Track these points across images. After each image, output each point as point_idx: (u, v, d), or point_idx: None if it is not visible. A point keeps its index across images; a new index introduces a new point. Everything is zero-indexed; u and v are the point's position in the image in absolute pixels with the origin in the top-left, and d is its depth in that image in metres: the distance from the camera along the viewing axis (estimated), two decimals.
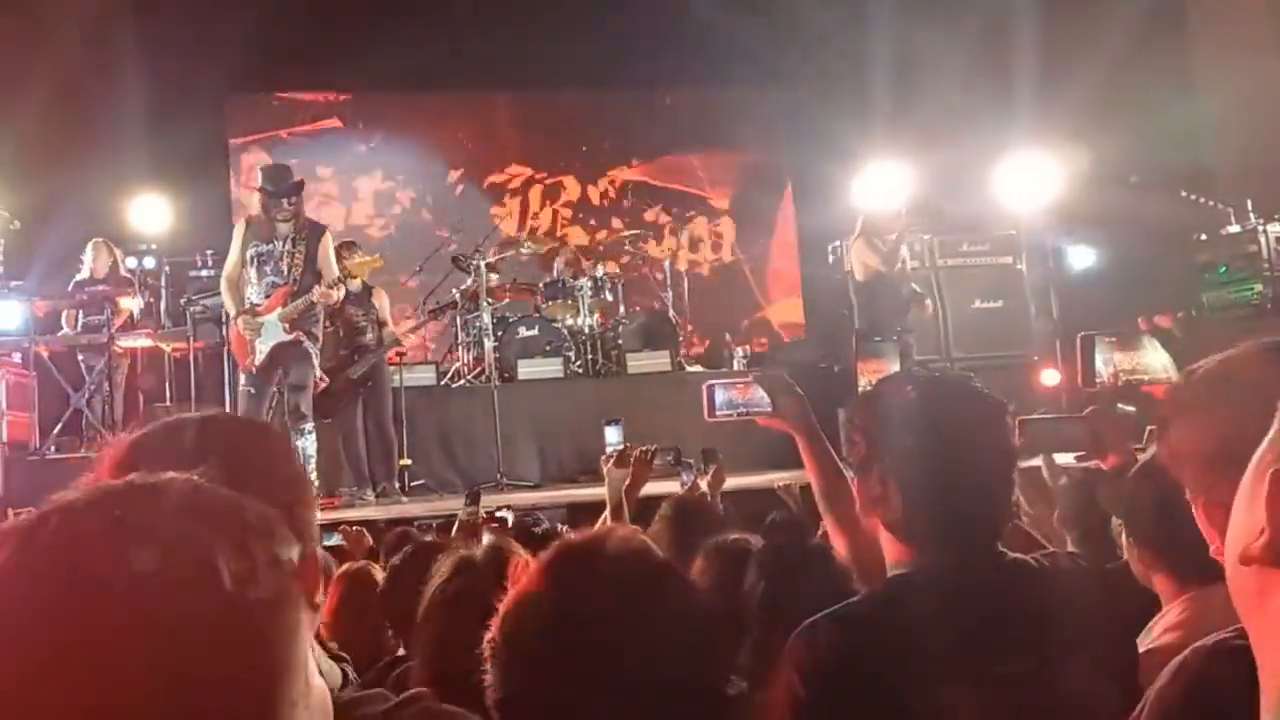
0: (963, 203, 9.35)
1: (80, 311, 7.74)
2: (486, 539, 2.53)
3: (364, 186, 10.76)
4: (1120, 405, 2.62)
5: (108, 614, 0.66)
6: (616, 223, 10.94)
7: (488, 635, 1.17)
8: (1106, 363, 2.25)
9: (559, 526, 3.92)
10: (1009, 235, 8.93)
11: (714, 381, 2.33)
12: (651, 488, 3.51)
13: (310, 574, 1.14)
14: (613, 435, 3.71)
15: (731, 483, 4.63)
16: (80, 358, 7.67)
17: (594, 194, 11.04)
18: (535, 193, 10.95)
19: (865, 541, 1.90)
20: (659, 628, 1.12)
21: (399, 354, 8.03)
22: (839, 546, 2.02)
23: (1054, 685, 1.48)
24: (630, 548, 1.19)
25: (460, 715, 1.47)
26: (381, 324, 7.68)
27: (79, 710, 0.64)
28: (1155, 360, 2.78)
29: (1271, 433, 0.75)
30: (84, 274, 7.86)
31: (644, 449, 3.52)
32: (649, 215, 11.04)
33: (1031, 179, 8.79)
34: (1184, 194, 7.88)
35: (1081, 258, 8.93)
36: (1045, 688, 1.47)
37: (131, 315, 7.81)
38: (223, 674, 0.68)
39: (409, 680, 1.63)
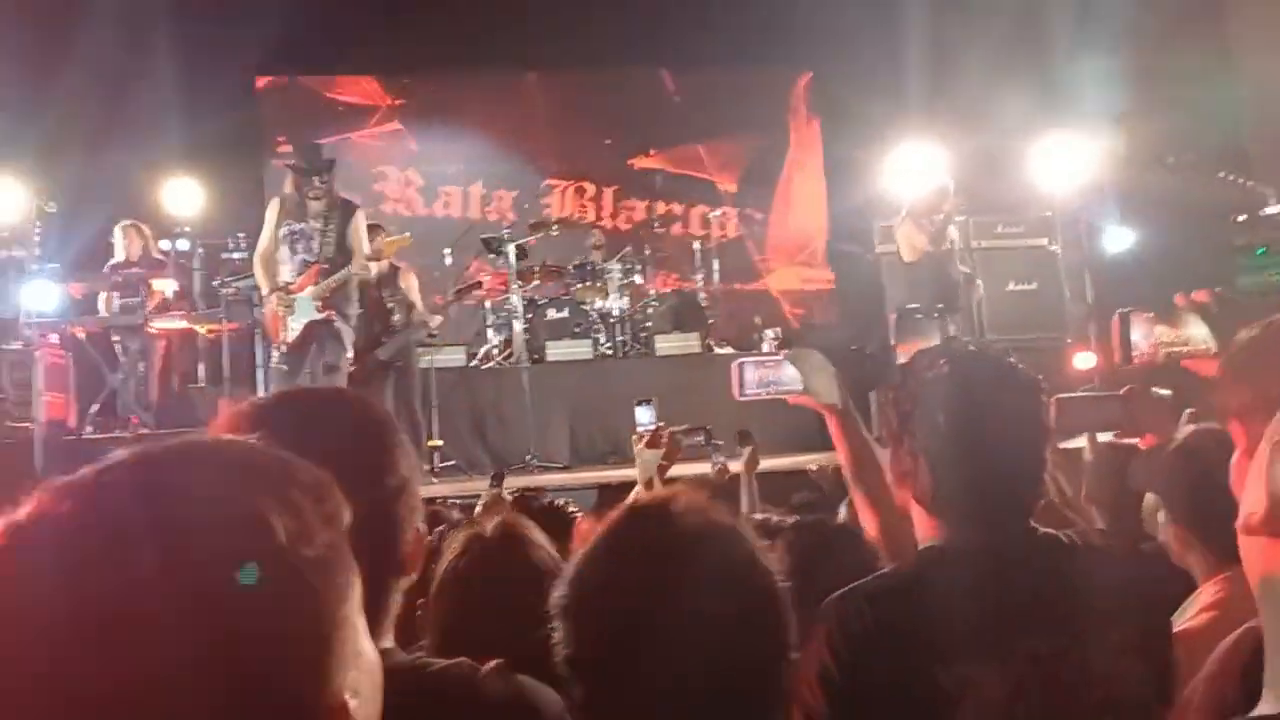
0: (997, 184, 9.25)
1: (116, 294, 7.82)
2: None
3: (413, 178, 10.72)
4: (1155, 390, 2.57)
5: (159, 567, 0.66)
6: (643, 207, 10.90)
7: (557, 593, 1.17)
8: (1146, 336, 2.22)
9: (559, 500, 3.92)
10: (1044, 217, 8.83)
11: (744, 359, 2.27)
12: (681, 469, 3.49)
13: (415, 548, 1.15)
14: (644, 415, 3.66)
15: (762, 464, 4.62)
16: (115, 339, 7.75)
17: (618, 190, 10.97)
18: (569, 193, 10.92)
19: (894, 520, 1.89)
20: (727, 589, 1.12)
21: (430, 335, 8.06)
22: (868, 526, 2.00)
23: (1084, 664, 1.46)
24: (698, 508, 1.18)
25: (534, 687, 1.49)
26: (410, 305, 7.71)
27: (130, 662, 0.64)
28: (1196, 333, 2.74)
29: None
30: (118, 257, 7.94)
31: (674, 430, 3.50)
32: (671, 203, 10.95)
33: (1067, 160, 8.67)
34: (1222, 175, 7.75)
35: (1117, 240, 8.82)
36: (1074, 666, 1.46)
37: (164, 297, 7.88)
38: (274, 631, 0.68)
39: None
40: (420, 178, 10.64)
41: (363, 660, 0.76)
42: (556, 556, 1.69)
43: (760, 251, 10.98)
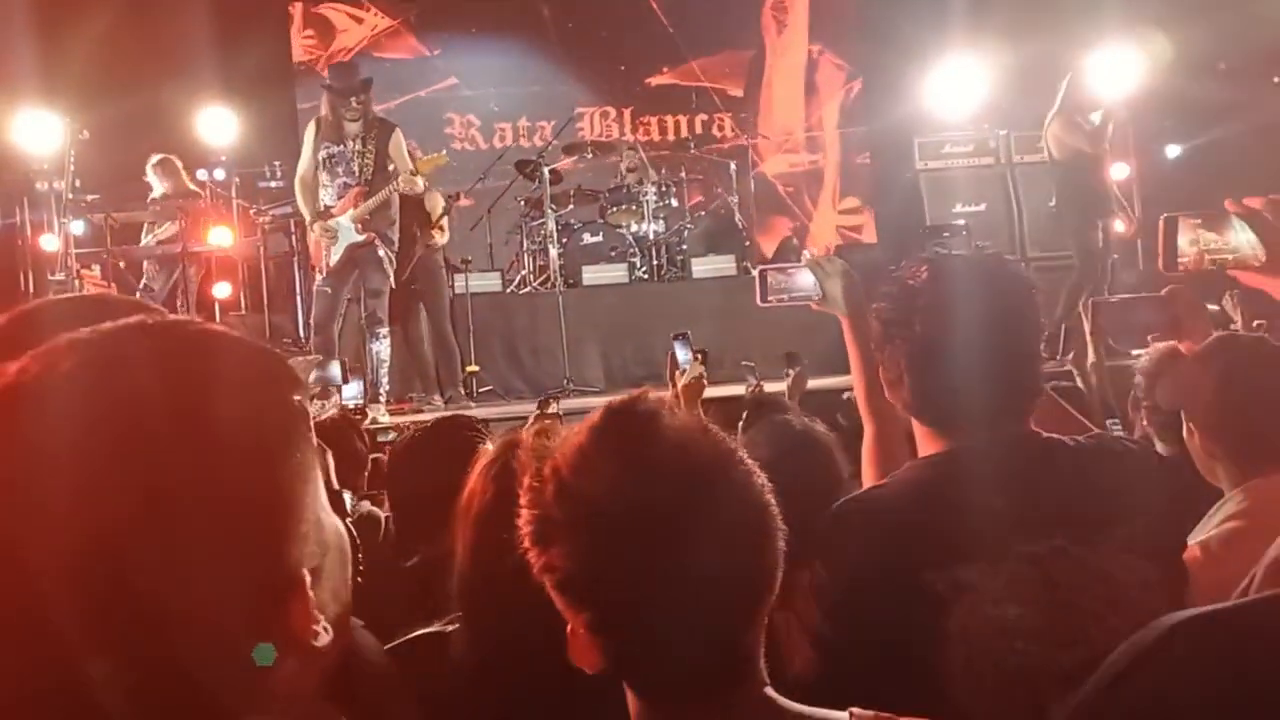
0: (1041, 98, 8.99)
1: (154, 226, 7.89)
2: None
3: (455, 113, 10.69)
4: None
5: (121, 426, 0.67)
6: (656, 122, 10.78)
7: (534, 513, 1.09)
8: (1191, 243, 2.15)
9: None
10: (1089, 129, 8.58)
11: (766, 266, 2.29)
12: (719, 390, 3.47)
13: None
14: (682, 352, 3.62)
15: (811, 384, 4.61)
16: (153, 270, 7.82)
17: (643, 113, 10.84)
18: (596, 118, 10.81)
19: (890, 431, 1.88)
20: (725, 501, 1.06)
21: (464, 261, 8.07)
22: (867, 436, 1.99)
23: (1082, 564, 1.44)
24: (685, 418, 1.11)
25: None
26: (433, 228, 7.67)
27: (120, 500, 0.66)
28: (1243, 240, 2.65)
29: None
30: (156, 193, 7.98)
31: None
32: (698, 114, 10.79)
33: (1114, 71, 8.39)
34: (1276, 80, 7.49)
35: (1167, 151, 8.58)
36: (1071, 566, 1.44)
37: (181, 225, 7.88)
38: (237, 496, 0.70)
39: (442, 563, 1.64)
40: (477, 119, 10.65)
41: (326, 531, 0.77)
42: None
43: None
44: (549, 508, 1.05)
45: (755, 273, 2.26)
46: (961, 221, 7.76)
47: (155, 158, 7.96)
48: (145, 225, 7.99)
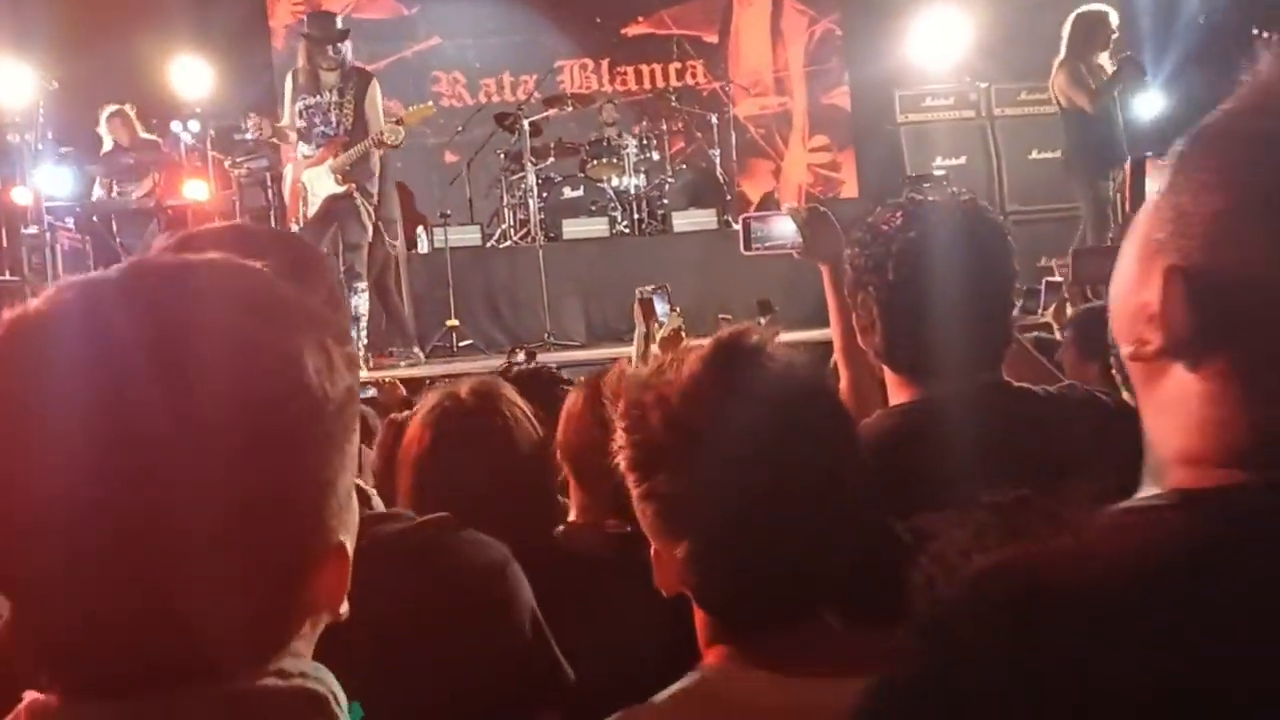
0: (1022, 50, 8.96)
1: (114, 183, 7.77)
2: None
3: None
4: None
5: (176, 389, 0.63)
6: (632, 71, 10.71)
7: (636, 438, 1.09)
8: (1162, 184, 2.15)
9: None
10: None
11: (750, 215, 2.32)
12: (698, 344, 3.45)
13: None
14: (661, 305, 3.63)
15: (790, 337, 4.62)
16: (126, 225, 7.71)
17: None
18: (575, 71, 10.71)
19: (864, 380, 1.89)
20: (822, 433, 1.08)
21: (443, 215, 8.02)
22: (842, 384, 2.01)
23: (1051, 514, 1.45)
24: (786, 352, 1.13)
25: (479, 539, 1.50)
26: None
27: (135, 487, 0.63)
28: None
29: (1158, 204, 0.71)
30: (107, 146, 7.83)
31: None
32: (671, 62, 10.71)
33: (1095, 24, 8.35)
34: (1256, 32, 7.46)
35: (1148, 104, 8.55)
36: (1039, 514, 1.45)
37: (155, 180, 7.76)
38: (290, 469, 0.67)
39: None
40: (463, 75, 10.55)
41: (353, 501, 0.76)
42: (530, 417, 1.70)
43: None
44: (655, 433, 1.06)
45: (739, 223, 2.29)
46: (942, 172, 7.74)
47: (108, 109, 7.79)
48: (97, 179, 7.80)
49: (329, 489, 0.70)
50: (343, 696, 0.72)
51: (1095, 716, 0.55)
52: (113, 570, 0.63)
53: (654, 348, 3.36)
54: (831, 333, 2.11)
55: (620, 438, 1.10)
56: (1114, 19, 6.71)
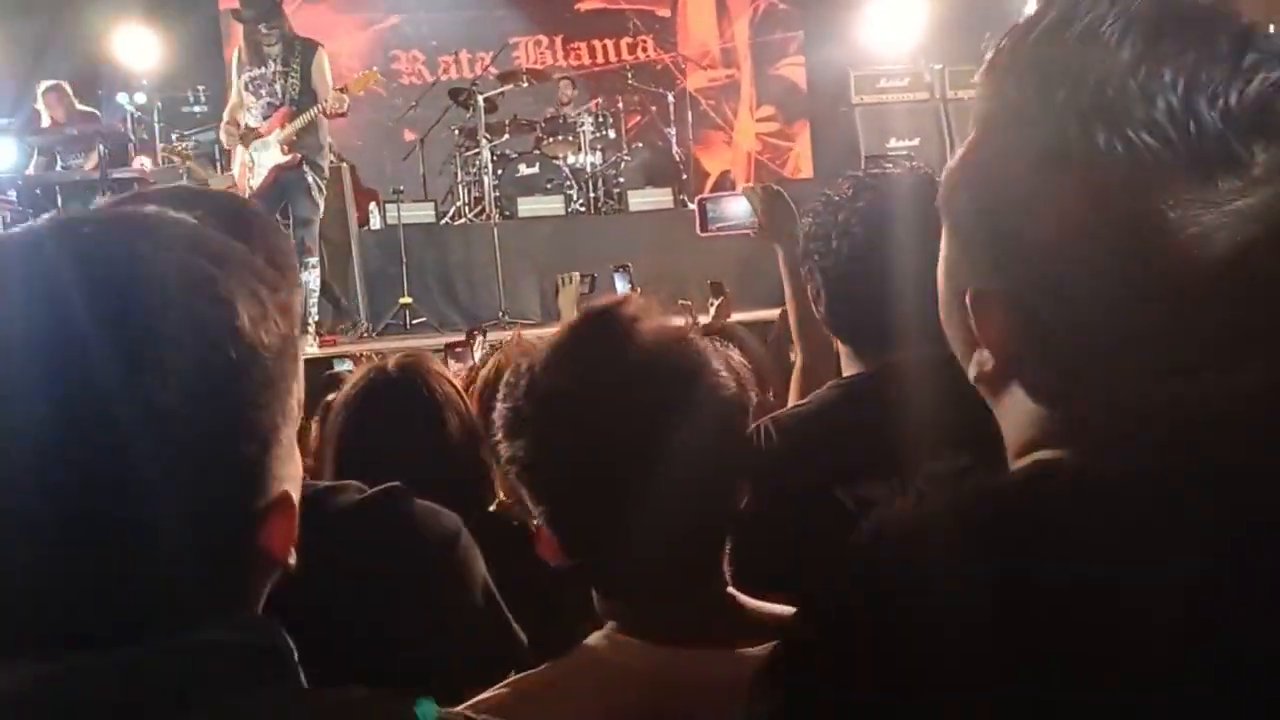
0: (976, 33, 9.02)
1: (57, 154, 7.59)
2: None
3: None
4: None
5: (108, 338, 0.62)
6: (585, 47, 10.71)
7: (505, 405, 1.09)
8: None
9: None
10: None
11: (705, 197, 2.34)
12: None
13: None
14: (621, 284, 3.67)
15: (739, 316, 4.63)
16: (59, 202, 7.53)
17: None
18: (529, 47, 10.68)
19: (818, 356, 1.90)
20: (691, 405, 1.06)
21: (396, 191, 7.94)
22: (797, 363, 2.02)
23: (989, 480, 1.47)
24: (664, 324, 1.12)
25: (432, 508, 1.49)
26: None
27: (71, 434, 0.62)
28: None
29: (944, 253, 0.75)
30: (44, 123, 7.66)
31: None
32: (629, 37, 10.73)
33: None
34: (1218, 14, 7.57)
35: None
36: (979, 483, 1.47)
37: (100, 153, 7.59)
38: (227, 420, 0.66)
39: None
40: (422, 54, 10.51)
41: (295, 455, 0.74)
42: (461, 393, 1.69)
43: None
44: (519, 401, 1.07)
45: (694, 204, 2.31)
46: (905, 153, 7.79)
47: (44, 84, 7.61)
48: (36, 151, 7.62)
49: (271, 436, 0.69)
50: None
51: (930, 655, 0.58)
52: (62, 520, 0.62)
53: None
54: (787, 311, 2.12)
55: (498, 407, 1.10)
56: None
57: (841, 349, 1.62)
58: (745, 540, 1.47)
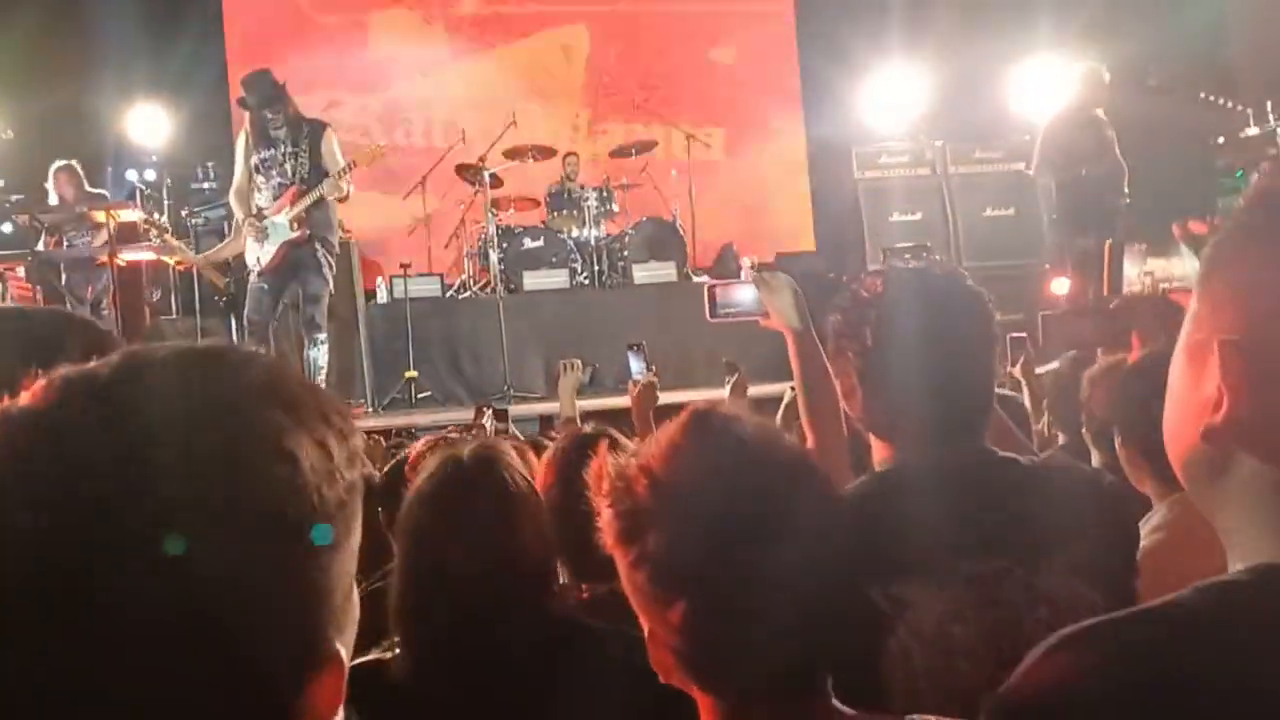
0: (976, 109, 9.16)
1: (64, 233, 7.63)
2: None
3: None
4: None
5: (166, 488, 0.59)
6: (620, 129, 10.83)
7: (622, 508, 1.09)
8: (1137, 268, 2.20)
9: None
10: (1023, 141, 8.73)
11: (714, 282, 2.34)
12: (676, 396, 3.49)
13: None
14: (636, 364, 3.68)
15: (751, 391, 4.62)
16: (76, 276, 7.56)
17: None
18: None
19: (832, 445, 1.88)
20: (810, 498, 1.09)
21: (403, 265, 7.98)
22: (808, 446, 2.00)
23: (1027, 585, 1.45)
24: (762, 422, 1.15)
25: None
26: None
27: (113, 601, 0.59)
28: (1190, 267, 2.71)
29: (1192, 313, 0.75)
30: (52, 199, 7.71)
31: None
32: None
33: (1047, 83, 8.57)
34: (1203, 96, 7.68)
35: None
36: (1016, 587, 1.44)
37: (109, 230, 7.63)
38: (289, 578, 0.64)
39: (390, 578, 1.61)
40: (418, 118, 10.64)
41: (352, 605, 0.72)
42: (531, 480, 1.65)
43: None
44: (641, 500, 1.07)
45: (704, 289, 2.31)
46: (917, 244, 7.86)
47: (56, 164, 7.68)
48: (44, 230, 7.66)
49: (326, 596, 0.67)
50: None
51: None
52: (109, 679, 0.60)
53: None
54: (797, 397, 2.10)
55: (605, 514, 1.10)
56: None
57: (873, 440, 1.60)
58: None
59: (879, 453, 1.59)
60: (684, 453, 1.08)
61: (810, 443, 2.03)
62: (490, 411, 5.69)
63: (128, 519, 0.59)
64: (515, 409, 6.81)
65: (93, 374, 0.64)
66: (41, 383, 0.64)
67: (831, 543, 1.07)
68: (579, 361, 3.46)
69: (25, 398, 0.63)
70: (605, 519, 1.10)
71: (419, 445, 2.88)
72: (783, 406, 2.48)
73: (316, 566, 0.66)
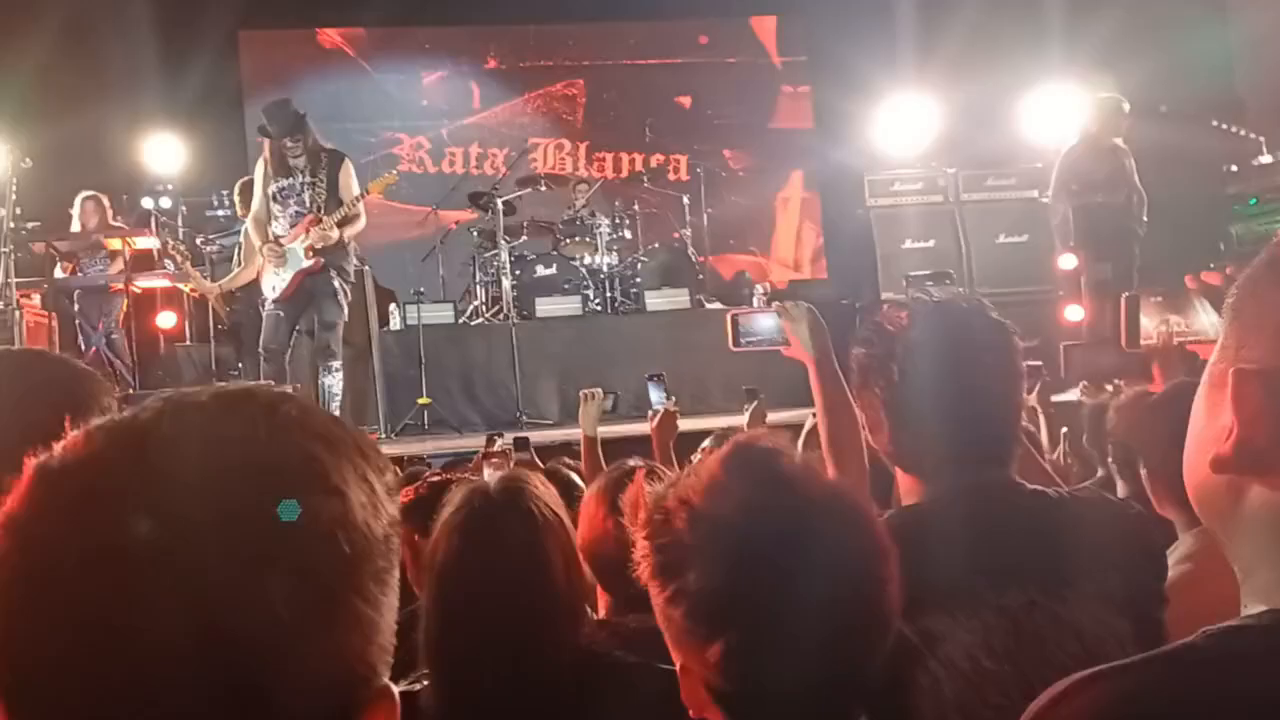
0: (988, 136, 9.18)
1: (79, 262, 7.70)
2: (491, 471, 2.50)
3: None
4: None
5: (217, 536, 0.59)
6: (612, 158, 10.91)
7: (661, 542, 1.08)
8: (1155, 322, 2.19)
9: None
10: (1035, 168, 8.75)
11: (737, 312, 2.36)
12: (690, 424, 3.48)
13: None
14: (656, 394, 3.71)
15: (769, 418, 4.62)
16: (88, 302, 7.61)
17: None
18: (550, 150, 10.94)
19: (853, 476, 1.88)
20: (849, 532, 1.08)
21: (416, 292, 8.02)
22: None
23: (1056, 617, 1.44)
24: (801, 455, 1.15)
25: None
26: None
27: (162, 636, 0.59)
28: (1205, 320, 2.70)
29: (1219, 344, 0.75)
30: (74, 227, 7.78)
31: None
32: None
33: (1059, 110, 8.60)
34: (1215, 124, 7.69)
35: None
36: (1045, 619, 1.44)
37: (123, 258, 7.68)
38: (343, 614, 0.64)
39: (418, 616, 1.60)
40: (427, 141, 10.74)
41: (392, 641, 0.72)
42: (559, 511, 1.65)
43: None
44: (680, 535, 1.06)
45: (727, 318, 2.32)
46: (951, 272, 7.88)
47: (84, 193, 7.74)
48: (59, 258, 7.72)
49: (375, 631, 0.67)
50: None
51: None
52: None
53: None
54: (819, 428, 2.10)
55: (642, 547, 1.08)
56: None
57: (900, 475, 1.60)
58: None
59: (906, 486, 1.58)
60: (724, 487, 1.07)
61: (830, 472, 2.03)
62: (503, 440, 5.66)
63: (178, 563, 0.59)
64: (559, 433, 6.83)
65: (133, 421, 0.64)
66: (81, 433, 0.64)
67: (871, 578, 1.06)
68: (600, 391, 3.46)
69: (66, 448, 0.63)
70: (641, 551, 1.09)
71: (434, 476, 2.88)
72: (803, 434, 2.48)
73: (368, 602, 0.65)
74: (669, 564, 1.06)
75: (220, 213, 8.51)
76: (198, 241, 8.17)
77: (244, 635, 0.59)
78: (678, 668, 1.08)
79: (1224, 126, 7.73)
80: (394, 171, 7.20)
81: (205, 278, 7.56)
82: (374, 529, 0.65)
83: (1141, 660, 0.72)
